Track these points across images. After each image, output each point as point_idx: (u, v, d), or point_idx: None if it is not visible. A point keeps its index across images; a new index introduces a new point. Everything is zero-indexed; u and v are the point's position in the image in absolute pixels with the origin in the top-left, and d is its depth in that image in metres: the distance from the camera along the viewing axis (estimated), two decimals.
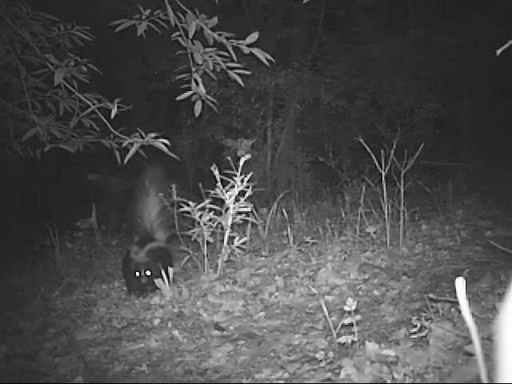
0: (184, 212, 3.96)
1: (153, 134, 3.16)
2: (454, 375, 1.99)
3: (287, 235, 4.57)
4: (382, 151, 4.28)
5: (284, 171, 8.27)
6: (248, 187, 3.96)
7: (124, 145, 3.24)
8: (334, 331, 2.60)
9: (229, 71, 3.17)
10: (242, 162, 3.91)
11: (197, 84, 3.15)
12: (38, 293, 4.22)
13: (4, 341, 3.23)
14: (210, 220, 3.92)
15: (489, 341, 1.89)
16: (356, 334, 2.39)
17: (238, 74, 3.18)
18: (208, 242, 3.94)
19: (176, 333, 3.04)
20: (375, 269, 3.70)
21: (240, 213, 4.01)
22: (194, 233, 3.95)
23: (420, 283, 3.37)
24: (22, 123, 3.69)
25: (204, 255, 3.94)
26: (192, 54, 3.09)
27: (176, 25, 2.96)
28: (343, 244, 4.31)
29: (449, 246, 4.11)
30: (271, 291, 3.58)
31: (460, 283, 1.16)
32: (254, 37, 2.99)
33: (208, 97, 3.23)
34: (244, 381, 2.39)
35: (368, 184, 4.90)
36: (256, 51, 3.05)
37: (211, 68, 3.17)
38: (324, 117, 8.60)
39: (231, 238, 3.99)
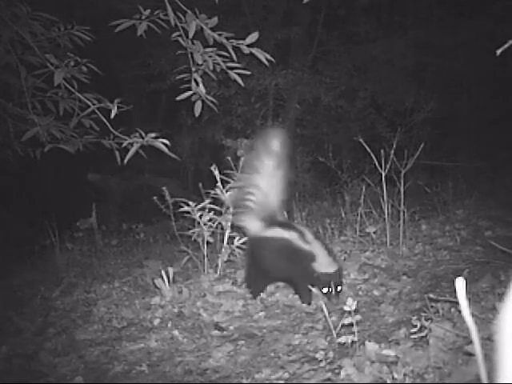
0: (184, 212, 3.96)
1: (153, 134, 3.16)
2: (454, 375, 1.99)
3: None
4: (382, 151, 4.28)
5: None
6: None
7: (124, 145, 3.24)
8: (333, 331, 2.60)
9: (229, 71, 3.17)
10: (241, 162, 3.91)
11: (197, 84, 3.15)
12: (37, 293, 4.22)
13: (4, 341, 3.23)
14: (210, 220, 3.92)
15: (489, 341, 1.89)
16: (356, 333, 2.39)
17: (238, 74, 3.18)
18: (208, 242, 3.94)
19: (176, 333, 3.04)
20: (375, 269, 3.71)
21: None
22: (194, 233, 3.95)
23: (420, 283, 3.37)
24: (22, 123, 3.69)
25: (204, 255, 3.94)
26: (192, 54, 3.09)
27: (176, 25, 2.96)
28: (343, 244, 4.31)
29: (449, 246, 4.11)
30: (271, 291, 3.58)
31: (460, 283, 1.16)
32: (254, 37, 2.99)
33: (208, 97, 3.23)
34: (244, 381, 2.39)
35: (368, 184, 4.90)
36: (256, 51, 3.05)
37: (211, 68, 3.17)
38: (324, 117, 8.59)
39: (231, 238, 3.99)
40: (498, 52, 1.71)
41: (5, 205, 7.45)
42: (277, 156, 3.52)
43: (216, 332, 3.04)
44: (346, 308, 2.35)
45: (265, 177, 3.51)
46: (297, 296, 3.41)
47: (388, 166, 4.24)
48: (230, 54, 3.08)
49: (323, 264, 3.13)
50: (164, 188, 4.18)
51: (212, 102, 3.25)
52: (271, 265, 3.36)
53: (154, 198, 4.29)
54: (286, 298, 3.46)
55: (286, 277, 3.39)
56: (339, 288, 3.14)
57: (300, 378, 2.33)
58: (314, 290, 3.24)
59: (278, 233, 3.32)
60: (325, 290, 3.12)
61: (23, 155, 3.99)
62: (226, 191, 3.92)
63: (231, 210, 3.79)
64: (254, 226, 3.48)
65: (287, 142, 3.58)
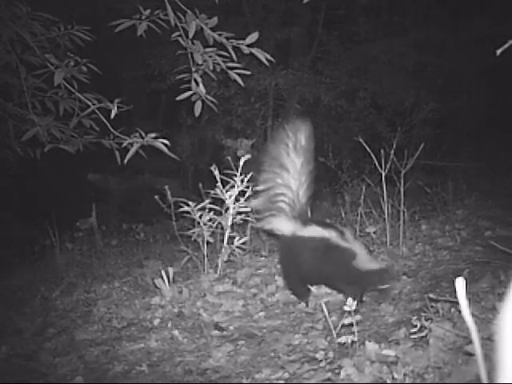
0: (184, 212, 3.95)
1: (153, 134, 3.16)
2: (453, 375, 1.99)
3: None
4: (382, 151, 4.28)
5: None
6: (248, 187, 3.96)
7: (124, 145, 3.24)
8: (333, 331, 2.60)
9: (229, 71, 3.17)
10: (241, 162, 3.91)
11: (197, 84, 3.15)
12: (37, 293, 4.22)
13: (4, 341, 3.23)
14: (210, 220, 3.92)
15: (489, 341, 1.89)
16: (356, 333, 2.39)
17: (238, 74, 3.19)
18: (208, 242, 3.94)
19: (176, 333, 3.04)
20: None
21: (240, 213, 4.01)
22: (194, 233, 3.95)
23: (420, 283, 3.37)
24: (21, 123, 3.69)
25: (204, 255, 3.94)
26: (192, 54, 3.09)
27: (176, 25, 2.96)
28: None
29: (449, 246, 4.11)
30: (271, 291, 3.58)
31: (460, 283, 1.16)
32: (253, 37, 2.99)
33: (208, 97, 3.23)
34: (244, 381, 2.39)
35: (368, 184, 4.90)
36: (256, 51, 3.05)
37: (211, 68, 3.17)
38: (324, 117, 8.59)
39: (231, 238, 3.99)
40: (498, 52, 1.71)
41: (5, 205, 7.45)
42: (304, 151, 3.40)
43: (216, 332, 3.04)
44: (346, 308, 2.35)
45: (293, 174, 3.36)
46: (340, 296, 3.27)
47: (388, 166, 4.24)
48: (230, 53, 3.08)
49: (367, 261, 3.09)
50: (166, 187, 4.18)
51: (212, 101, 3.25)
52: (313, 265, 3.19)
53: (156, 197, 4.29)
54: (286, 298, 3.46)
55: (329, 276, 3.22)
56: (386, 285, 3.08)
57: (300, 377, 2.33)
58: (313, 289, 3.24)
59: (317, 232, 3.20)
60: (371, 287, 3.07)
61: (23, 155, 3.98)
62: (227, 191, 3.92)
63: (262, 214, 3.52)
64: (288, 227, 3.31)
65: (313, 136, 3.48)
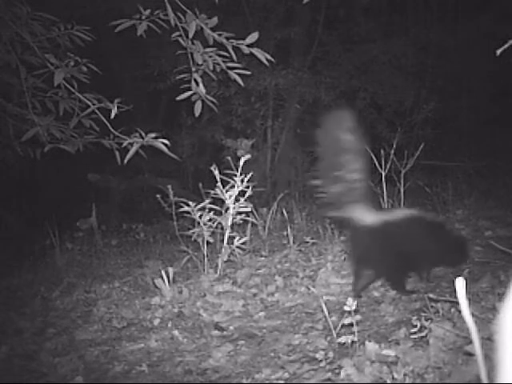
0: (184, 212, 3.96)
1: (153, 134, 3.16)
2: (453, 375, 1.99)
3: (287, 235, 4.56)
4: (382, 151, 4.28)
5: (284, 171, 8.27)
6: (248, 187, 3.96)
7: (124, 145, 3.24)
8: (333, 331, 2.60)
9: (229, 71, 3.17)
10: (241, 162, 3.91)
11: (197, 84, 3.15)
12: (37, 293, 4.22)
13: (4, 341, 3.23)
14: (210, 220, 3.92)
15: (489, 341, 1.89)
16: (356, 333, 2.39)
17: (238, 74, 3.18)
18: (208, 242, 3.94)
19: (176, 333, 3.04)
20: None
21: (240, 213, 4.01)
22: (194, 233, 3.95)
23: (420, 283, 3.37)
24: (21, 123, 3.69)
25: (204, 255, 3.94)
26: (192, 54, 3.09)
27: (176, 25, 2.96)
28: (343, 244, 4.30)
29: None
30: (271, 291, 3.58)
31: (460, 283, 1.16)
32: (253, 37, 2.99)
33: (208, 97, 3.23)
34: (244, 381, 2.39)
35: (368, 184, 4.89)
36: (256, 51, 3.05)
37: (211, 68, 3.17)
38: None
39: (231, 238, 3.99)
40: (498, 52, 1.71)
41: (5, 205, 7.45)
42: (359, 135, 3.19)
43: (216, 332, 3.04)
44: (346, 308, 2.35)
45: (358, 159, 3.16)
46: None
47: (388, 166, 4.24)
48: (230, 54, 3.08)
49: (455, 241, 3.20)
50: (169, 187, 4.19)
51: (212, 102, 3.25)
52: (405, 249, 3.08)
53: (158, 196, 4.30)
54: (286, 298, 3.47)
55: (420, 258, 3.18)
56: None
57: (300, 377, 2.33)
58: (313, 289, 3.24)
59: (405, 214, 3.18)
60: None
61: (23, 155, 3.98)
62: (227, 191, 3.91)
63: (337, 203, 3.21)
64: (367, 215, 3.12)
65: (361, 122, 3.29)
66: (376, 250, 3.17)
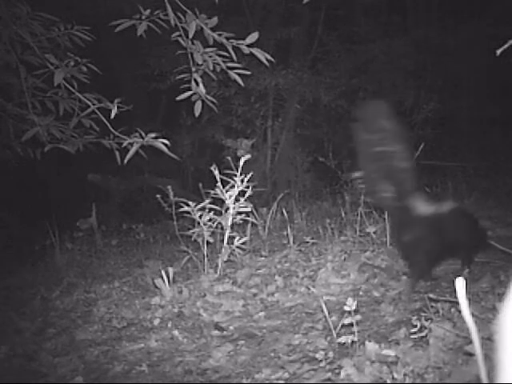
0: (184, 212, 3.96)
1: (153, 134, 3.16)
2: (453, 375, 1.99)
3: (287, 235, 4.56)
4: None
5: (284, 171, 8.28)
6: (248, 187, 3.96)
7: (124, 145, 3.24)
8: (333, 331, 2.60)
9: (229, 71, 3.17)
10: (241, 162, 3.91)
11: (197, 84, 3.15)
12: (37, 293, 4.22)
13: (4, 341, 3.23)
14: (210, 220, 3.92)
15: (489, 341, 1.89)
16: (356, 333, 2.39)
17: (238, 74, 3.18)
18: (208, 242, 3.94)
19: (176, 333, 3.04)
20: (375, 269, 3.70)
21: (240, 213, 4.01)
22: (194, 233, 3.95)
23: (420, 283, 3.37)
24: (21, 123, 3.69)
25: (204, 255, 3.94)
26: (192, 54, 3.09)
27: (176, 25, 2.96)
28: (343, 244, 4.31)
29: None
30: (271, 291, 3.58)
31: (460, 283, 1.16)
32: (253, 37, 2.99)
33: (208, 97, 3.23)
34: (244, 381, 2.39)
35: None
36: (256, 51, 3.05)
37: (211, 68, 3.17)
38: (324, 117, 8.59)
39: (231, 238, 3.99)
40: (498, 52, 1.71)
41: (5, 205, 7.45)
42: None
43: (216, 332, 3.04)
44: (346, 308, 2.35)
45: (405, 147, 3.14)
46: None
47: None
48: (230, 53, 3.08)
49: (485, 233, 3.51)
50: (169, 187, 4.19)
51: (212, 102, 3.25)
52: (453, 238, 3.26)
53: (158, 196, 4.29)
54: (286, 298, 3.46)
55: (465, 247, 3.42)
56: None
57: (300, 377, 2.33)
58: (313, 289, 3.24)
59: (452, 206, 3.35)
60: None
61: (23, 155, 3.99)
62: (227, 191, 3.91)
63: (397, 192, 3.16)
64: (421, 204, 3.16)
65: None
66: (431, 239, 3.21)
